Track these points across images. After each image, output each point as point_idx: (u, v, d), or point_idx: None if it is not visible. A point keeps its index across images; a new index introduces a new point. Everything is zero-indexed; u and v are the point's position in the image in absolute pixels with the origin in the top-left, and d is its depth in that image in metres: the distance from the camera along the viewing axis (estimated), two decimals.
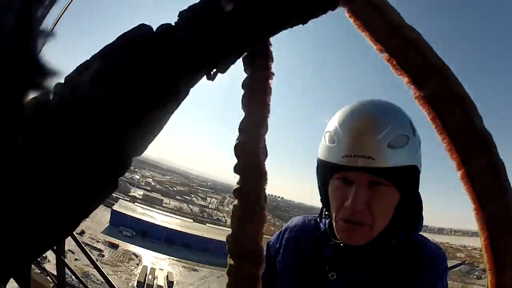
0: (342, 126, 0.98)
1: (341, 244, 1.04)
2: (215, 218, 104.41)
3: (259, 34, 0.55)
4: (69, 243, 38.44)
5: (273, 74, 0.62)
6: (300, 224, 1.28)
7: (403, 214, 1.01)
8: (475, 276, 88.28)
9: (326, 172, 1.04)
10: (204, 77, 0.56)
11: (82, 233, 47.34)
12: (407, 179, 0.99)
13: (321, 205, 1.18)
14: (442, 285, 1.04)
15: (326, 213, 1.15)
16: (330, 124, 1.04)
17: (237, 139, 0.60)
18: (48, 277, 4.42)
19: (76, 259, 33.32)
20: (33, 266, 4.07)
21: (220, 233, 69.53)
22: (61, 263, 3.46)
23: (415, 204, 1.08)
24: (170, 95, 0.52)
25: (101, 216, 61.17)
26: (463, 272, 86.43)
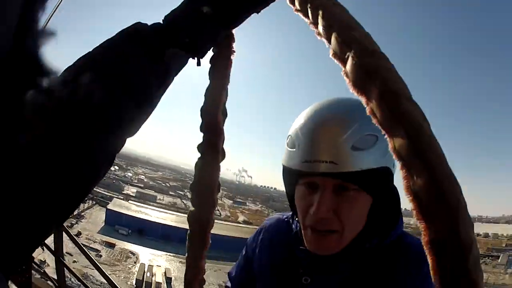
0: (303, 129, 0.92)
1: (311, 253, 0.98)
2: None
3: (229, 26, 0.67)
4: (67, 246, 39.68)
5: (234, 52, 0.72)
6: (274, 225, 1.24)
7: (378, 217, 0.94)
8: None
9: (291, 178, 0.99)
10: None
11: (78, 234, 47.07)
12: (378, 182, 0.91)
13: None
14: (430, 284, 0.85)
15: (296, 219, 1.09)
16: (292, 127, 0.98)
17: (203, 104, 0.72)
18: (49, 282, 4.58)
19: (74, 261, 33.80)
20: (33, 272, 4.05)
21: (215, 227, 71.54)
22: (60, 264, 3.33)
23: (391, 205, 0.99)
24: (169, 79, 0.63)
25: (96, 216, 61.65)
26: None
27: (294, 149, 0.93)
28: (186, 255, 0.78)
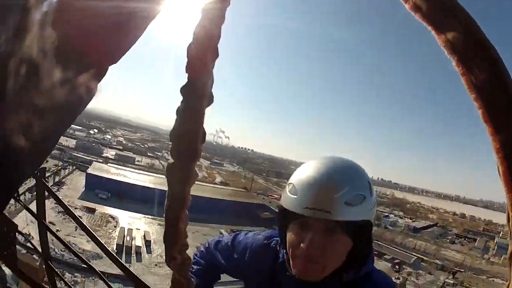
0: (305, 181, 1.17)
1: (296, 277, 1.22)
2: None
3: None
4: (50, 215, 39.02)
5: (229, 4, 0.62)
6: (261, 252, 1.51)
7: (355, 256, 1.20)
8: (448, 240, 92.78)
9: (288, 218, 1.23)
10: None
11: None
12: (360, 231, 1.18)
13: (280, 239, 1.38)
14: None
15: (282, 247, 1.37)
16: (294, 177, 1.25)
17: (191, 41, 0.60)
18: (34, 256, 4.70)
19: (57, 230, 32.97)
20: (18, 247, 4.34)
21: (193, 188, 71.68)
22: (42, 227, 3.24)
23: (366, 247, 1.26)
24: None
25: (76, 181, 61.38)
26: (436, 235, 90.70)
27: (296, 196, 1.19)
28: (164, 216, 0.69)
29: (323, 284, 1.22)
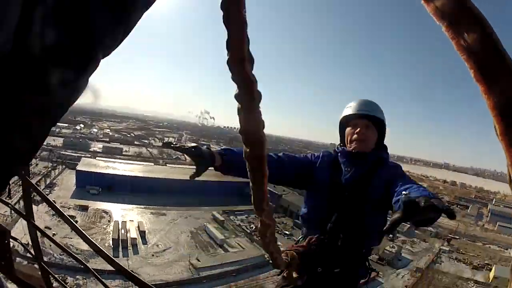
0: (355, 102, 2.29)
1: (352, 151, 2.25)
2: (174, 157, 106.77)
3: None
4: (44, 219, 38.57)
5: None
6: (329, 153, 2.45)
7: (379, 143, 2.33)
8: None
9: (344, 125, 2.35)
10: None
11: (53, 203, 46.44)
12: (382, 129, 2.31)
13: (339, 140, 2.46)
14: (404, 175, 2.15)
15: (341, 145, 2.41)
16: (348, 104, 2.33)
17: (229, 57, 0.75)
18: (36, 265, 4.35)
19: (54, 234, 34.10)
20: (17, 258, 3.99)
21: (182, 172, 72.24)
22: (31, 226, 3.22)
23: (383, 141, 2.36)
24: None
25: (67, 180, 61.34)
26: None
27: (351, 107, 2.28)
28: (251, 185, 1.04)
29: (365, 155, 2.24)
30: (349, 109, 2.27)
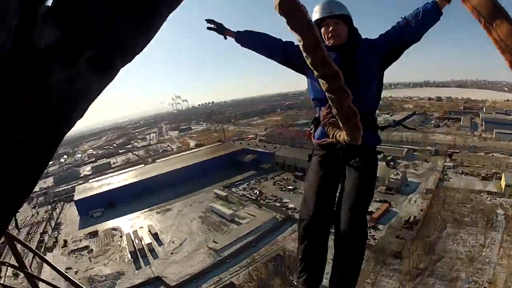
0: (319, 6, 2.60)
1: (330, 45, 2.64)
2: (161, 151, 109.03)
3: None
4: (62, 262, 39.02)
5: None
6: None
7: (351, 31, 2.70)
8: (432, 125, 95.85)
9: (318, 25, 2.60)
10: None
11: (65, 243, 48.02)
12: (349, 18, 2.67)
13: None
14: (378, 39, 2.72)
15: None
16: (314, 8, 2.60)
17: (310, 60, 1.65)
18: None
19: (76, 272, 36.05)
20: None
21: (172, 163, 73.88)
22: (9, 238, 3.44)
23: (354, 28, 2.74)
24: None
25: (70, 215, 61.31)
26: (418, 122, 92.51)
27: (317, 12, 2.58)
28: (336, 111, 1.79)
29: (344, 45, 2.64)
30: (316, 14, 2.61)
